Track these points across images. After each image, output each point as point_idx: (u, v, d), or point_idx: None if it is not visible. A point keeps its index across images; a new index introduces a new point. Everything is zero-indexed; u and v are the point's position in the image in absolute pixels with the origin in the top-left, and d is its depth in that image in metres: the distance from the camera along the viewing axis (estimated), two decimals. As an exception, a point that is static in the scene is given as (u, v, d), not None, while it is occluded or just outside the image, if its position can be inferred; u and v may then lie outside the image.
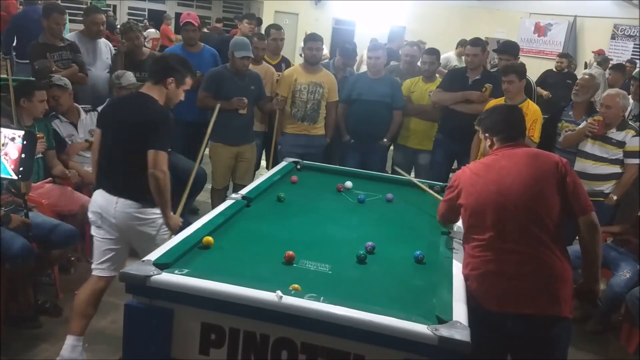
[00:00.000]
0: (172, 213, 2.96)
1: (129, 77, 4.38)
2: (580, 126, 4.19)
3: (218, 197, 4.52)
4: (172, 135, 2.93)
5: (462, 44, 7.82)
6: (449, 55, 8.25)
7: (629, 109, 5.12)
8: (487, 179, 2.38)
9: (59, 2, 5.02)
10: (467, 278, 2.35)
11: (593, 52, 10.14)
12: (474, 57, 4.69)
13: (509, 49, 5.00)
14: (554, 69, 8.12)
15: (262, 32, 5.59)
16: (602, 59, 9.36)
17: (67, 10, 4.95)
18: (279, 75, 4.91)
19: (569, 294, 2.28)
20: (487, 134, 2.59)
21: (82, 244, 3.87)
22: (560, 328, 2.27)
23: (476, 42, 4.78)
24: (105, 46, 5.08)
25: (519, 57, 5.15)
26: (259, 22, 5.97)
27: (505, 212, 2.29)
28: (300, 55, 5.36)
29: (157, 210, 2.91)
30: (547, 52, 13.19)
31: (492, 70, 5.69)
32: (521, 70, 4.29)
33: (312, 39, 4.73)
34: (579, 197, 2.33)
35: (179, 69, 2.95)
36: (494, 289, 2.26)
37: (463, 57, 7.10)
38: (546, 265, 2.24)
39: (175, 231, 2.91)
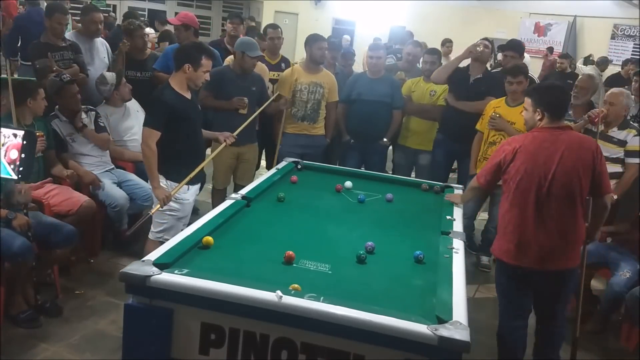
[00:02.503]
0: (159, 184, 3.24)
1: (109, 77, 4.43)
2: (580, 123, 4.19)
3: (218, 197, 4.52)
4: (161, 115, 3.23)
5: (443, 43, 8.25)
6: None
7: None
8: (538, 161, 2.74)
9: (66, 2, 4.98)
10: (501, 237, 2.85)
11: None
12: (485, 47, 4.67)
13: (514, 46, 5.00)
14: (555, 70, 8.11)
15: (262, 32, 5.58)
16: (601, 60, 9.38)
17: (70, 11, 4.94)
18: (276, 75, 4.90)
19: (580, 248, 2.95)
20: (539, 109, 2.82)
21: (82, 244, 3.86)
22: (573, 274, 2.93)
23: (487, 39, 4.84)
24: (102, 45, 5.07)
25: (524, 56, 5.14)
26: (242, 20, 5.95)
27: (548, 190, 2.72)
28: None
29: (160, 180, 3.27)
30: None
31: (493, 70, 5.69)
32: (527, 72, 4.34)
33: (321, 39, 4.70)
34: (602, 182, 2.81)
35: (192, 54, 3.27)
36: (527, 250, 2.76)
37: (449, 57, 7.21)
38: (571, 232, 2.78)
39: (161, 202, 3.20)
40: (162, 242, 3.24)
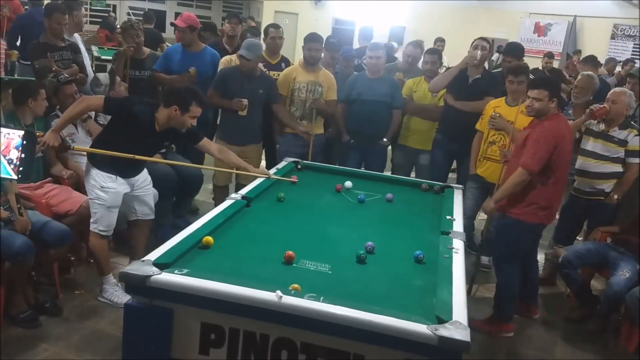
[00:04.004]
0: (57, 129, 3.27)
1: (102, 78, 4.43)
2: (581, 118, 4.19)
3: (220, 193, 4.52)
4: (119, 105, 3.35)
5: (435, 42, 8.40)
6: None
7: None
8: (569, 142, 3.48)
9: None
10: (544, 207, 3.41)
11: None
12: (482, 49, 4.67)
13: (514, 50, 5.00)
14: (540, 68, 8.17)
15: (262, 32, 5.57)
16: (606, 61, 9.44)
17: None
18: (276, 75, 4.90)
19: None
20: (555, 98, 3.39)
21: (82, 244, 3.86)
22: None
23: (485, 38, 4.81)
24: (78, 39, 5.09)
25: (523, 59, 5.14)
26: (240, 20, 5.96)
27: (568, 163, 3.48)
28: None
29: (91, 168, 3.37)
30: (546, 52, 13.21)
31: (494, 70, 5.68)
32: (529, 71, 4.35)
33: (313, 40, 4.69)
34: None
35: (184, 98, 3.23)
36: (555, 211, 3.60)
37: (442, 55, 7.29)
38: None
39: (45, 140, 3.16)
40: (100, 235, 3.40)
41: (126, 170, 3.40)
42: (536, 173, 3.31)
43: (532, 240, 3.67)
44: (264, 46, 4.65)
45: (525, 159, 3.33)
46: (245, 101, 4.35)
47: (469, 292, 4.06)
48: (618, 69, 9.58)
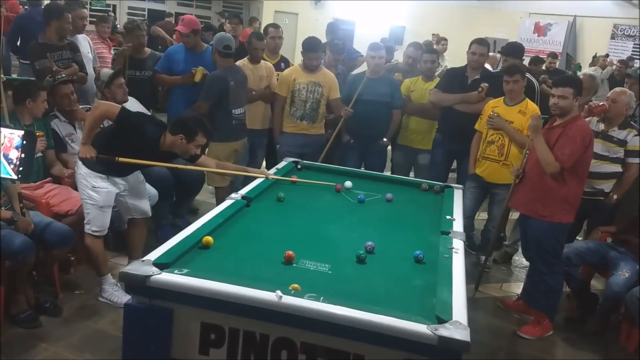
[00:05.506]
0: (87, 141, 3.30)
1: (103, 74, 4.41)
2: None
3: (222, 192, 4.51)
4: (135, 118, 3.35)
5: (438, 41, 8.45)
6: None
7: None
8: (593, 141, 3.50)
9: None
10: (573, 206, 3.50)
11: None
12: (480, 56, 4.68)
13: (513, 51, 5.01)
14: (544, 68, 8.18)
15: (262, 32, 5.57)
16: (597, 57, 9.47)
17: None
18: (276, 75, 4.90)
19: None
20: (579, 97, 3.45)
21: (81, 244, 3.86)
22: None
23: (483, 41, 4.79)
24: (84, 40, 5.13)
25: (523, 59, 5.13)
26: (241, 20, 5.99)
27: None
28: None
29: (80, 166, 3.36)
30: (547, 52, 13.21)
31: (494, 71, 5.68)
32: (524, 70, 4.33)
33: (311, 50, 4.63)
34: None
35: (191, 128, 3.25)
36: (575, 208, 3.53)
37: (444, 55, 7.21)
38: None
39: (83, 156, 3.27)
40: (94, 235, 3.40)
41: (117, 170, 3.40)
42: (567, 166, 3.37)
43: (565, 235, 3.69)
44: (226, 41, 4.55)
45: (560, 155, 3.38)
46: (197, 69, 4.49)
47: (475, 289, 4.11)
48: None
